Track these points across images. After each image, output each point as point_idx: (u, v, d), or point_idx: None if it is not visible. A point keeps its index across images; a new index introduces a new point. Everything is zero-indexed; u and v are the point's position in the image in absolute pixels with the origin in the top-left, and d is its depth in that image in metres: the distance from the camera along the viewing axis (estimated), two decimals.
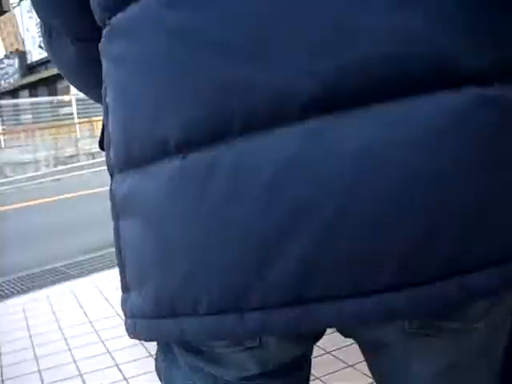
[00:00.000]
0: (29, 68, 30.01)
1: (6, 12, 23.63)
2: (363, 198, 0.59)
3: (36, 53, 28.43)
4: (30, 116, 19.67)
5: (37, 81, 28.67)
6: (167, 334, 0.71)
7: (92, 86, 0.96)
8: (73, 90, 21.76)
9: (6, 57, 31.10)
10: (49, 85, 27.69)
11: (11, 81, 31.37)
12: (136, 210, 0.71)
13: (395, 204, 0.59)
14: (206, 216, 0.64)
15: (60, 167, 15.11)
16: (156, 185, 0.68)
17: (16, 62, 30.40)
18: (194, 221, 0.65)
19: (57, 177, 13.56)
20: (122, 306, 0.78)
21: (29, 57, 29.75)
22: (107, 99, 0.76)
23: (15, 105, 20.02)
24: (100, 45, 0.77)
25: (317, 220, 0.60)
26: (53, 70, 25.72)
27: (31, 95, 29.66)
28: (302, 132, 0.61)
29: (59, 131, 17.45)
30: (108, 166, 0.77)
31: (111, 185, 0.77)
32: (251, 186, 0.61)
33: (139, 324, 0.74)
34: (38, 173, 14.49)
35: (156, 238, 0.69)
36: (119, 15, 0.71)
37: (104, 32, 0.75)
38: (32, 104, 20.44)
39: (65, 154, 15.87)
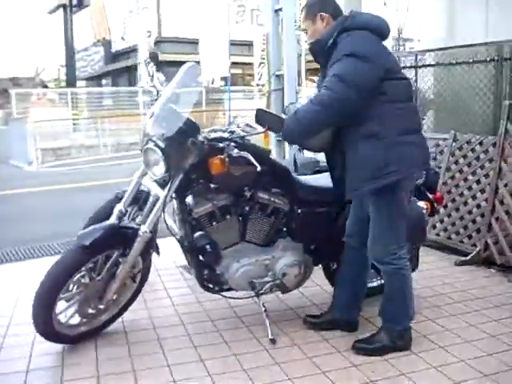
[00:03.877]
0: (113, 56, 31.59)
1: (86, 6, 25.08)
2: None
3: (120, 43, 29.95)
4: (110, 102, 20.80)
5: (118, 69, 30.18)
6: None
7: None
8: (143, 82, 22.92)
9: (94, 44, 32.91)
10: (129, 73, 29.10)
11: (96, 67, 33.17)
12: None
13: None
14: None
15: (121, 153, 16.21)
16: None
17: (102, 50, 32.10)
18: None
19: (117, 162, 14.58)
20: None
21: (113, 46, 31.35)
22: None
23: (95, 92, 21.18)
24: None
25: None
26: (133, 60, 27.14)
27: (113, 82, 31.27)
28: None
29: (127, 119, 18.46)
30: None
31: None
32: None
33: None
34: (99, 157, 15.65)
35: None
36: None
37: None
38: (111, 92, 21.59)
39: (127, 142, 16.90)
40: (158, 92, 3.25)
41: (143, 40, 23.76)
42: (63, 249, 5.33)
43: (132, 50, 27.68)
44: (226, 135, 3.15)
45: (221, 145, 3.03)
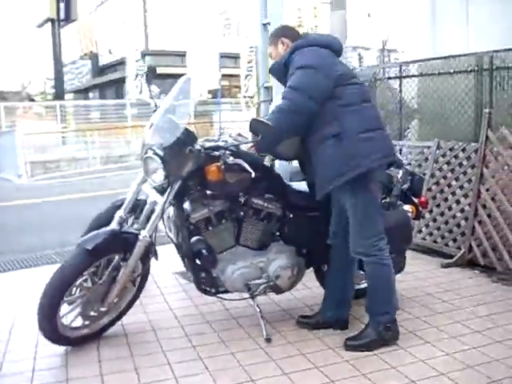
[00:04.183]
0: (100, 69, 31.73)
1: (74, 21, 25.27)
2: None
3: (107, 56, 30.10)
4: (97, 115, 20.91)
5: (106, 82, 30.31)
6: None
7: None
8: (130, 95, 23.05)
9: (81, 58, 33.03)
10: (117, 86, 29.24)
11: (84, 80, 33.27)
12: None
13: None
14: None
15: (110, 165, 16.33)
16: None
17: (89, 63, 32.23)
18: None
19: (106, 174, 14.71)
20: None
21: (100, 59, 31.50)
22: None
23: (84, 105, 21.31)
24: None
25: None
26: (120, 73, 27.30)
27: (101, 95, 31.38)
28: None
29: (116, 132, 18.60)
30: None
31: None
32: None
33: None
34: (88, 169, 15.75)
35: None
36: None
37: None
38: (98, 105, 21.72)
39: (116, 154, 17.04)
40: (155, 104, 3.42)
41: (131, 53, 23.90)
42: (59, 258, 5.49)
43: (119, 63, 27.85)
44: (221, 144, 3.32)
45: (217, 153, 3.20)
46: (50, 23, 24.35)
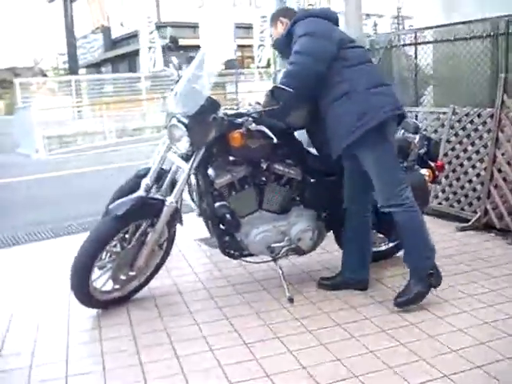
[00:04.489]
0: (112, 43, 31.64)
1: None
2: None
3: (119, 30, 29.98)
4: (111, 88, 20.96)
5: (118, 55, 30.25)
6: None
7: None
8: (143, 68, 23.04)
9: (93, 32, 32.94)
10: (129, 59, 29.19)
11: (96, 55, 33.24)
12: None
13: None
14: None
15: (125, 138, 16.48)
16: None
17: (101, 37, 32.14)
18: None
19: (115, 148, 14.88)
20: None
21: (112, 33, 31.38)
22: None
23: (98, 79, 21.34)
24: None
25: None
26: (133, 46, 27.22)
27: (113, 69, 31.35)
28: None
29: (130, 105, 18.70)
30: None
31: None
32: None
33: None
34: (104, 142, 15.91)
35: None
36: None
37: None
38: (112, 79, 21.76)
39: (131, 127, 17.17)
40: (178, 74, 3.52)
41: (143, 26, 23.83)
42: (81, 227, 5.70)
43: (131, 36, 27.74)
44: (243, 111, 3.41)
45: (239, 120, 3.31)
46: None
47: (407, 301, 3.36)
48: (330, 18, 3.53)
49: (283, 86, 3.17)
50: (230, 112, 3.42)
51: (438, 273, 3.43)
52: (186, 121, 3.27)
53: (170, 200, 3.38)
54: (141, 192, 3.57)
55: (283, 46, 3.57)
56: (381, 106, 3.26)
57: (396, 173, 3.38)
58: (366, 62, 3.42)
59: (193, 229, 4.28)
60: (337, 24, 3.57)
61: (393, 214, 3.38)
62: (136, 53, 26.02)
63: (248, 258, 3.70)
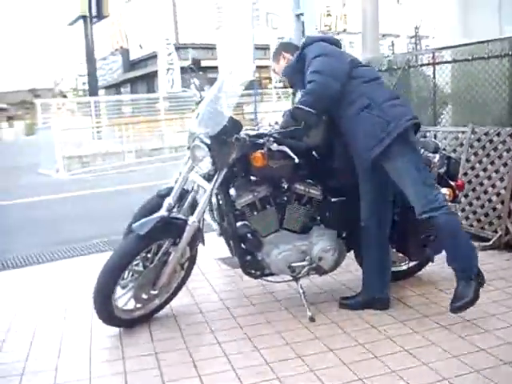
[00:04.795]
0: (131, 64, 32.07)
1: (106, 17, 25.57)
2: None
3: (137, 51, 30.41)
4: (130, 109, 21.22)
5: (137, 76, 30.64)
6: None
7: None
8: (161, 89, 23.30)
9: (112, 54, 33.44)
10: (148, 80, 29.56)
11: (115, 76, 33.70)
12: None
13: None
14: None
15: (144, 158, 16.63)
16: None
17: (120, 58, 32.61)
18: None
19: (134, 168, 15.03)
20: None
21: (131, 54, 31.83)
22: None
23: (117, 100, 21.64)
24: None
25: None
26: (151, 67, 27.59)
27: (132, 89, 31.75)
28: None
29: (148, 125, 18.91)
30: None
31: None
32: None
33: None
34: (123, 163, 16.07)
35: None
36: None
37: None
38: (131, 99, 22.07)
39: (149, 147, 17.34)
40: (200, 95, 3.59)
41: (162, 47, 24.16)
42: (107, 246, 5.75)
43: (150, 58, 28.14)
44: (265, 131, 3.46)
45: (261, 140, 3.35)
46: (81, 21, 24.70)
47: (466, 304, 3.32)
48: (336, 43, 3.71)
49: (303, 106, 3.22)
50: (251, 133, 3.46)
51: (481, 271, 3.43)
52: (208, 141, 3.33)
53: (193, 219, 3.42)
54: (163, 211, 3.61)
55: (293, 72, 3.67)
56: (403, 115, 3.37)
57: (428, 178, 3.44)
58: (377, 79, 3.58)
59: (213, 248, 4.31)
60: (340, 48, 3.74)
61: (433, 219, 3.34)
62: (154, 74, 26.37)
63: (269, 278, 3.72)
